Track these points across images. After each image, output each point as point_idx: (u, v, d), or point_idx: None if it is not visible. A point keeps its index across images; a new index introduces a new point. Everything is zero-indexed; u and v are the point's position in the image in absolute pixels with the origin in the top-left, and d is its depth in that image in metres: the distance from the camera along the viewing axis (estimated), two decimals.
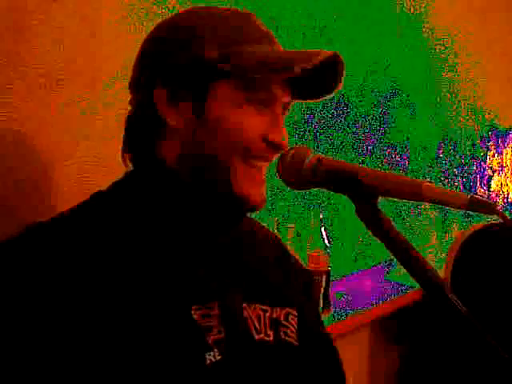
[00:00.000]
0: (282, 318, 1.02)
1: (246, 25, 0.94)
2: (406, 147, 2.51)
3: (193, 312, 0.90)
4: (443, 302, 0.81)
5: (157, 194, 0.95)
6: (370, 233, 0.85)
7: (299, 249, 1.80)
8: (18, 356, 0.81)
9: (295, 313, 1.05)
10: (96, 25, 1.31)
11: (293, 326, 1.03)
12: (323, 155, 0.92)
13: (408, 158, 2.53)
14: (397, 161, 2.45)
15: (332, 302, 1.87)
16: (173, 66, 0.92)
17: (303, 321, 1.06)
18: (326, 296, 1.81)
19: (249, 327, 0.96)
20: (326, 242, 1.82)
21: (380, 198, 0.84)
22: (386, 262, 2.37)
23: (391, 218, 0.85)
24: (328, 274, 1.83)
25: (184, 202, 0.94)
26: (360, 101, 2.21)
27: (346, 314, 1.95)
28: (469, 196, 0.78)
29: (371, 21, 2.27)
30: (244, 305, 0.97)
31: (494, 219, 2.25)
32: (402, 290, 2.22)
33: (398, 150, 2.46)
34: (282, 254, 1.15)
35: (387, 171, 0.90)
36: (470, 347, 2.01)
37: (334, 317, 1.87)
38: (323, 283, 1.80)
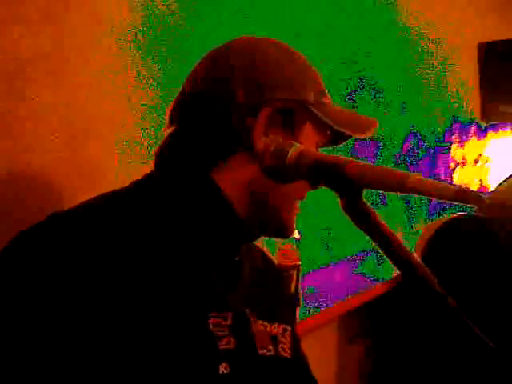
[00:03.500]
0: (279, 334, 1.05)
1: (318, 75, 1.04)
2: (373, 140, 2.51)
3: (209, 319, 0.90)
4: (430, 295, 0.79)
5: (202, 215, 0.96)
6: (351, 226, 0.83)
7: (269, 244, 1.78)
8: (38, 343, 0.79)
9: (290, 328, 1.08)
10: None
11: (288, 341, 1.06)
12: (305, 148, 0.90)
13: (375, 151, 2.53)
14: (364, 154, 2.44)
15: (302, 298, 1.85)
16: (279, 100, 0.96)
17: (294, 336, 1.10)
18: (296, 291, 1.79)
19: (255, 341, 0.98)
20: (297, 235, 1.80)
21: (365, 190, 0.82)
22: (354, 256, 2.36)
23: None
24: (298, 268, 1.82)
25: (226, 229, 0.97)
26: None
27: (316, 309, 1.94)
28: (456, 187, 0.76)
29: (340, 15, 2.26)
30: (251, 319, 0.99)
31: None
32: (370, 284, 2.22)
33: (365, 144, 2.45)
34: (274, 270, 1.20)
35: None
36: (443, 338, 2.02)
37: (304, 312, 1.86)
38: (294, 278, 1.78)
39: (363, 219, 0.81)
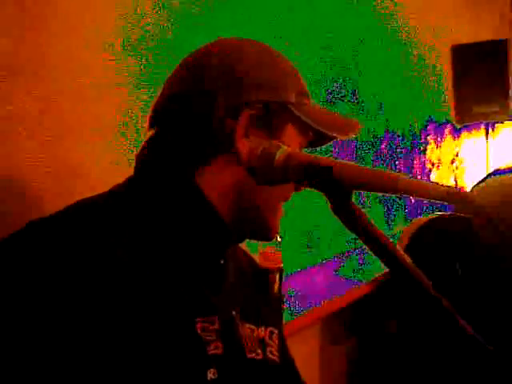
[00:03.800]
0: (267, 337, 1.04)
1: (300, 77, 1.03)
2: (351, 140, 2.52)
3: (196, 324, 0.90)
4: (423, 297, 0.79)
5: (185, 218, 0.94)
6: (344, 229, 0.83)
7: (250, 246, 1.78)
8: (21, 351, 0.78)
9: (277, 331, 1.07)
10: None
11: (276, 344, 1.05)
12: (293, 150, 0.89)
13: (353, 151, 2.54)
14: (343, 155, 2.45)
15: (284, 300, 1.85)
16: (260, 101, 0.95)
17: (282, 339, 1.09)
18: (279, 294, 1.79)
19: (243, 345, 0.97)
20: (278, 238, 1.79)
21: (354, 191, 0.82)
22: (335, 257, 2.37)
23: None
24: (281, 271, 1.81)
25: (209, 231, 0.96)
26: None
27: (298, 312, 1.94)
28: (447, 188, 0.76)
29: (318, 17, 2.27)
30: (238, 322, 0.98)
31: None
32: (352, 285, 2.22)
33: (343, 145, 2.46)
34: (259, 273, 1.18)
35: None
36: (430, 338, 2.03)
37: (286, 314, 1.85)
38: (277, 281, 1.78)
39: (353, 221, 0.81)
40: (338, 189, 0.81)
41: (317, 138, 1.04)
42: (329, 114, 1.06)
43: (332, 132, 0.99)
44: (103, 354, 0.80)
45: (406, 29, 2.92)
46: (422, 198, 0.78)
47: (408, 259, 0.80)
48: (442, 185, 0.78)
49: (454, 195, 0.76)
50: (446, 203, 0.78)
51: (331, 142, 1.09)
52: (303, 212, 2.13)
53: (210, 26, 1.70)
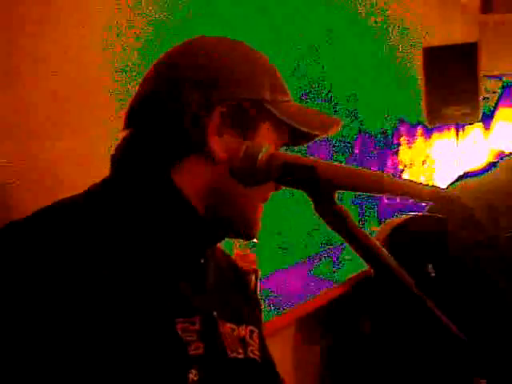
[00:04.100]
0: (247, 336, 1.03)
1: (278, 74, 1.00)
2: (325, 141, 2.52)
3: (177, 325, 0.88)
4: (406, 296, 0.78)
5: (163, 217, 0.93)
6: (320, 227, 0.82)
7: (226, 247, 1.77)
8: None
9: (257, 330, 1.06)
10: None
11: (256, 343, 1.04)
12: (276, 150, 0.88)
13: (328, 152, 2.54)
14: (316, 155, 2.45)
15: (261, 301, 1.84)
16: (232, 99, 0.93)
17: (262, 338, 1.08)
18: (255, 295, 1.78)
19: (224, 345, 0.96)
20: (254, 239, 1.79)
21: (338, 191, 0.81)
22: (309, 258, 2.37)
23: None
24: (257, 272, 1.81)
25: (188, 229, 0.94)
26: None
27: (274, 312, 1.93)
28: (431, 188, 0.76)
29: (290, 18, 2.27)
30: (219, 322, 0.97)
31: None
32: (327, 285, 2.22)
33: (317, 144, 2.46)
34: (238, 273, 1.17)
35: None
36: (408, 337, 2.04)
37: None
38: (253, 282, 1.77)
39: (336, 220, 0.80)
40: (321, 188, 0.80)
41: (295, 137, 1.01)
42: (308, 111, 1.04)
43: (309, 129, 0.96)
44: (83, 356, 0.78)
45: (379, 30, 2.94)
46: (406, 198, 0.78)
47: (391, 258, 0.79)
48: (426, 184, 0.78)
49: (439, 195, 0.76)
50: (429, 203, 0.77)
51: (310, 142, 1.07)
52: (276, 213, 2.13)
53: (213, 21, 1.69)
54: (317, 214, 0.81)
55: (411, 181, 0.79)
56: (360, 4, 2.78)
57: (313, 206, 0.81)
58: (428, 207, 2.29)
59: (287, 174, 0.84)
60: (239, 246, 1.77)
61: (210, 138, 0.92)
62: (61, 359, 0.78)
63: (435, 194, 0.75)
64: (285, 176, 0.84)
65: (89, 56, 1.40)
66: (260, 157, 0.87)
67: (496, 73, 4.17)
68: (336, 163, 0.82)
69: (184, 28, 1.65)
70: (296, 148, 1.09)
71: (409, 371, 2.13)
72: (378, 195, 0.80)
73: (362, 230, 0.80)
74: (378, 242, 0.80)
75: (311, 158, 0.84)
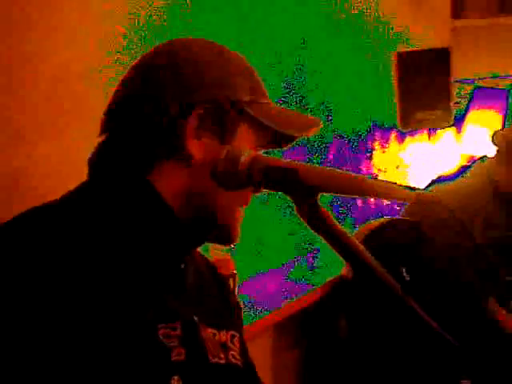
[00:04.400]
0: (228, 341, 1.02)
1: (256, 75, 1.00)
2: (301, 146, 2.53)
3: (158, 331, 0.87)
4: (390, 298, 0.79)
5: (142, 221, 0.92)
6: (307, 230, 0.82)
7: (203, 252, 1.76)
8: None
9: (238, 335, 1.06)
10: None
11: (237, 348, 1.04)
12: (258, 153, 0.89)
13: (303, 156, 2.55)
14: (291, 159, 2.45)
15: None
16: (210, 101, 0.92)
17: (242, 343, 1.08)
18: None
19: (206, 350, 0.95)
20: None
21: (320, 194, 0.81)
22: (286, 263, 2.37)
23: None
24: (234, 277, 1.81)
25: (167, 233, 0.93)
26: None
27: (251, 318, 1.93)
28: (415, 192, 0.77)
29: (264, 21, 2.27)
30: (200, 327, 0.96)
31: None
32: (304, 290, 2.23)
33: (291, 149, 2.46)
34: (218, 277, 1.16)
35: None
36: (385, 340, 2.04)
37: None
38: (231, 287, 1.77)
39: (318, 223, 0.81)
40: (304, 191, 0.80)
41: (275, 139, 1.01)
42: (286, 112, 1.04)
43: (288, 130, 0.96)
44: (63, 365, 0.77)
45: (354, 34, 2.96)
46: (388, 200, 0.78)
47: (374, 260, 0.79)
48: (408, 186, 0.78)
49: (420, 197, 0.76)
50: (406, 204, 0.78)
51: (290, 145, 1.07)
52: (253, 218, 2.13)
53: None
54: (299, 217, 0.81)
55: (392, 183, 0.80)
56: (334, 8, 2.80)
57: (295, 208, 0.81)
58: (403, 211, 2.31)
59: (270, 177, 0.84)
60: (216, 250, 1.76)
61: (187, 141, 0.91)
62: (40, 369, 0.77)
63: (416, 195, 0.76)
64: (267, 179, 0.84)
65: (65, 61, 1.39)
66: (242, 160, 0.87)
67: (468, 77, 4.22)
68: (318, 166, 0.82)
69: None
70: (270, 152, 1.08)
71: (387, 374, 2.14)
72: (360, 197, 0.81)
73: (345, 231, 0.81)
74: (359, 244, 0.80)
75: (293, 160, 0.84)
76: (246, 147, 0.92)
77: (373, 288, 0.79)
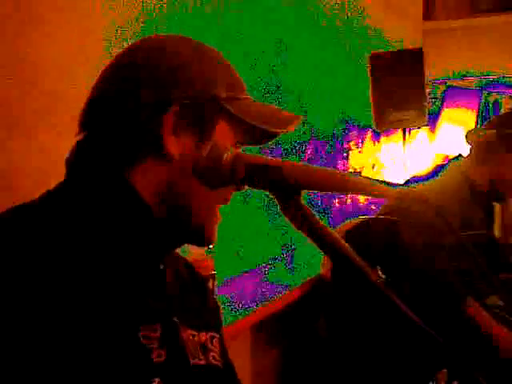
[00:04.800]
0: (208, 342, 1.02)
1: (234, 71, 0.99)
2: (276, 147, 2.53)
3: (139, 332, 0.86)
4: (373, 295, 0.79)
5: (120, 220, 0.90)
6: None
7: (182, 252, 1.75)
8: None
9: (218, 336, 1.05)
10: None
11: (217, 349, 1.03)
12: (241, 151, 0.88)
13: (279, 156, 2.55)
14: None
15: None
16: (187, 98, 0.91)
17: (222, 343, 1.07)
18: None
19: (186, 351, 0.94)
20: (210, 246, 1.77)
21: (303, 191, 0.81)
22: (264, 264, 2.37)
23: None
24: (214, 278, 1.80)
25: (145, 232, 0.92)
26: None
27: (229, 319, 1.93)
28: (398, 189, 0.77)
29: (245, 20, 2.27)
30: (180, 328, 0.95)
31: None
32: (281, 291, 2.23)
33: (268, 149, 2.47)
34: (197, 278, 1.14)
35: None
36: (366, 338, 2.05)
37: None
38: (210, 288, 1.76)
39: (302, 221, 0.80)
40: (287, 189, 0.80)
41: (254, 135, 0.99)
42: (265, 108, 1.02)
43: (266, 126, 0.94)
44: (42, 365, 0.77)
45: (329, 35, 2.97)
46: (371, 196, 0.78)
47: (358, 257, 0.80)
48: (390, 183, 0.79)
49: (405, 194, 0.76)
50: (385, 204, 0.78)
51: (257, 148, 1.06)
52: (231, 219, 2.12)
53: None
54: (282, 214, 0.81)
55: (376, 180, 0.80)
56: (310, 9, 2.81)
57: (279, 206, 0.81)
58: (382, 207, 2.32)
59: (253, 174, 0.83)
60: (195, 251, 1.75)
61: (165, 138, 0.90)
62: (20, 370, 0.76)
63: (400, 192, 0.76)
64: (250, 177, 0.84)
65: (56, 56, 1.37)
66: (225, 157, 0.86)
67: (440, 77, 4.27)
68: (301, 163, 0.82)
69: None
70: (246, 151, 1.07)
71: (366, 372, 2.15)
72: (343, 194, 0.81)
73: (328, 229, 0.81)
74: (343, 241, 0.80)
75: (276, 158, 0.84)
76: (225, 144, 0.91)
77: (354, 285, 0.79)
